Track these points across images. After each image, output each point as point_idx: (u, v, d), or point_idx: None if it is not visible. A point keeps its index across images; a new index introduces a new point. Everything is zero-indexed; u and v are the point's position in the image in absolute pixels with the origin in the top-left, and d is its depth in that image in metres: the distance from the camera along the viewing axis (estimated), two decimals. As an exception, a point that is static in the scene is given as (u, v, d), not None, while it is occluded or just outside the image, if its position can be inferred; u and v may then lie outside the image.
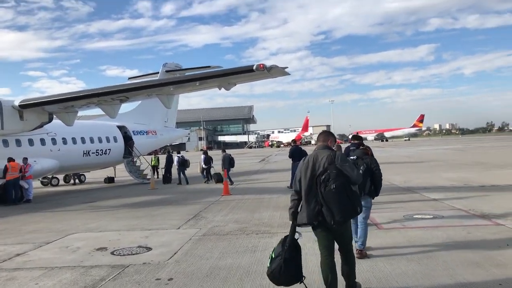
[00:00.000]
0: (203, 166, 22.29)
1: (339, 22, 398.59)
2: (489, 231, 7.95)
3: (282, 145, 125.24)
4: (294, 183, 5.09)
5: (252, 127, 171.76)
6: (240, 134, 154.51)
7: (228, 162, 20.02)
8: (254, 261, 6.74)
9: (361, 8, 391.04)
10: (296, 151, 16.72)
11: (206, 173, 22.16)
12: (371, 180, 6.67)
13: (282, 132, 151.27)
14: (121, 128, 25.41)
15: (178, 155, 23.78)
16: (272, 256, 4.90)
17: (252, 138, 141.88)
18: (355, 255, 6.14)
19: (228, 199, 14.75)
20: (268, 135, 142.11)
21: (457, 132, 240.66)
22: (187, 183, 21.63)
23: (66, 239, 9.32)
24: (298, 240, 4.94)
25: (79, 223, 11.31)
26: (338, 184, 4.62)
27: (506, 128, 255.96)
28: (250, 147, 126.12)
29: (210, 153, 24.65)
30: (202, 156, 22.71)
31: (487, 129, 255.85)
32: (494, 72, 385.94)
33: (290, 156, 16.89)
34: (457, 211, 10.20)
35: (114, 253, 7.82)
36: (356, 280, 5.14)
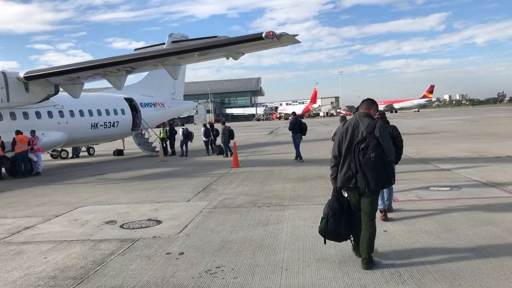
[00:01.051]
0: (203, 139, 22.35)
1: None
2: (509, 203, 7.66)
3: (290, 118, 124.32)
4: (334, 149, 5.17)
5: (260, 99, 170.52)
6: (248, 106, 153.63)
7: (228, 135, 20.16)
8: (267, 235, 6.54)
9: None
10: (296, 124, 16.60)
11: (206, 145, 22.29)
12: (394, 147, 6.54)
13: (290, 104, 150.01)
14: (129, 100, 25.15)
15: (183, 127, 23.72)
16: (322, 216, 5.23)
17: (260, 110, 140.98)
18: (383, 214, 6.99)
19: (238, 171, 14.56)
20: (276, 108, 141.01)
21: (467, 103, 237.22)
22: (186, 155, 21.94)
23: (75, 212, 9.22)
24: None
25: (88, 196, 11.21)
26: (377, 154, 4.73)
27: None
28: (258, 120, 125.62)
29: (217, 126, 24.54)
30: (202, 129, 22.80)
31: (498, 100, 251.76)
32: (507, 41, 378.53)
33: (290, 129, 16.75)
34: (474, 182, 9.89)
35: (124, 226, 7.69)
36: (373, 255, 5.03)
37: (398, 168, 11.66)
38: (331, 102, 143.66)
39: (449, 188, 9.31)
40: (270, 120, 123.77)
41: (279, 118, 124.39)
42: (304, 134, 16.80)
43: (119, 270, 5.38)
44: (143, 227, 7.53)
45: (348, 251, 5.45)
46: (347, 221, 5.04)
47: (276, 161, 17.03)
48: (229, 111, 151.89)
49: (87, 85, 19.83)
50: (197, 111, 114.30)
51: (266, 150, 22.80)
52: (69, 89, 17.26)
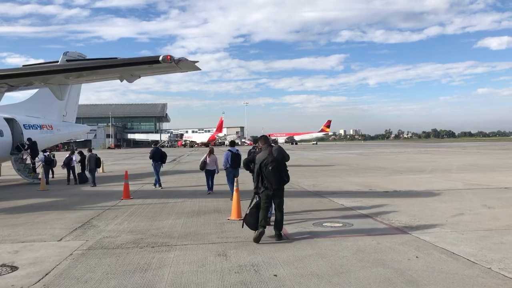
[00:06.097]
0: (61, 167, 21.25)
1: (258, 27, 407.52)
2: (397, 241, 7.73)
3: (196, 145, 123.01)
4: (254, 169, 8.22)
5: (165, 125, 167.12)
6: (152, 132, 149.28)
7: (95, 162, 19.39)
8: (143, 285, 5.63)
9: (279, 15, 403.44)
10: (157, 153, 17.74)
11: (67, 174, 20.80)
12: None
13: (196, 132, 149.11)
14: (10, 120, 22.35)
15: (45, 153, 21.84)
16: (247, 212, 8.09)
17: (165, 137, 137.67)
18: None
19: (127, 203, 13.30)
20: (182, 135, 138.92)
21: (360, 138, 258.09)
22: (47, 183, 19.90)
23: None
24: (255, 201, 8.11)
25: None
26: (272, 166, 7.79)
27: (401, 135, 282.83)
28: (162, 147, 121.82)
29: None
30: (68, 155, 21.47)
31: (385, 136, 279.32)
32: (395, 84, 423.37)
33: (150, 157, 17.69)
34: (365, 218, 10.01)
35: (-35, 275, 6.20)
36: None
37: (294, 201, 11.77)
38: (237, 132, 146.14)
39: (341, 224, 9.26)
40: (175, 147, 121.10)
41: (184, 145, 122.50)
42: (164, 162, 18.16)
43: None
44: (-8, 277, 6.13)
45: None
46: (258, 214, 7.86)
47: (172, 192, 16.05)
48: (131, 136, 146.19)
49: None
50: (95, 135, 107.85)
51: (165, 180, 21.58)
52: None
